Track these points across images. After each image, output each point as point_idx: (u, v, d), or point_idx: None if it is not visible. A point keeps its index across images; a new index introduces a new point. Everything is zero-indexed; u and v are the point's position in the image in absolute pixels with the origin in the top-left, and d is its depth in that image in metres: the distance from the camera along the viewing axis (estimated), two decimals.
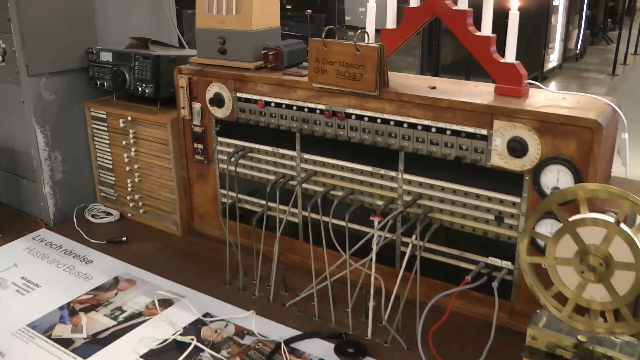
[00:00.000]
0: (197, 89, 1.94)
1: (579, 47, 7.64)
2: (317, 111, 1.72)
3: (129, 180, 2.22)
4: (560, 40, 6.87)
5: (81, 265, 1.97)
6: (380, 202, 1.68)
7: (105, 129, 2.23)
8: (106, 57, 2.16)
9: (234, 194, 1.94)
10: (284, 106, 1.77)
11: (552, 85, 6.57)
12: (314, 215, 1.80)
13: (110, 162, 2.27)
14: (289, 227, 1.88)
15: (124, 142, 2.17)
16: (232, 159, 1.87)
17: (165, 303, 1.74)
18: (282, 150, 1.82)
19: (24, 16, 2.03)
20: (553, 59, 6.73)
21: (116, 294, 1.80)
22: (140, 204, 2.22)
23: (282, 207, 1.83)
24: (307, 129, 1.75)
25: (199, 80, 1.93)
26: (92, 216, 2.28)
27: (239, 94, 1.85)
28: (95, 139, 2.29)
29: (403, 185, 1.64)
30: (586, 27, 7.60)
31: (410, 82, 1.67)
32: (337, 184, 1.74)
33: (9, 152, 2.28)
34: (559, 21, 6.52)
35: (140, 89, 2.06)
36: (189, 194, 2.09)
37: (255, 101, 1.82)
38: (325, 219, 1.66)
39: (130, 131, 2.13)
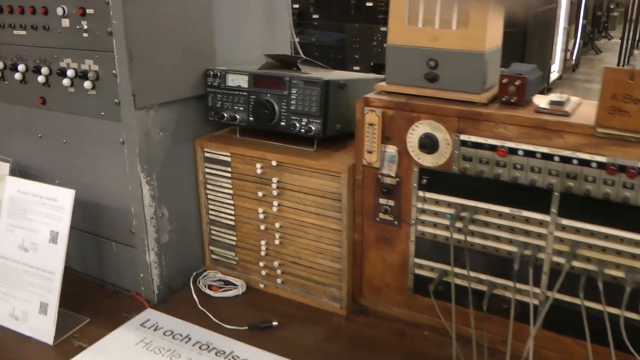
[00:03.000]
0: (394, 127, 1.46)
1: (574, 57, 7.55)
2: (593, 164, 1.28)
3: (263, 242, 1.70)
4: (561, 51, 6.72)
5: None
6: None
7: (228, 175, 1.70)
8: (237, 81, 1.63)
9: (443, 267, 1.48)
10: (538, 155, 1.32)
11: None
12: (566, 298, 1.37)
13: (232, 218, 1.74)
14: (519, 309, 1.43)
15: (260, 194, 1.65)
16: (459, 224, 1.40)
17: None
18: (525, 213, 1.37)
19: (133, 29, 1.48)
20: (554, 70, 6.56)
21: None
22: (278, 272, 1.71)
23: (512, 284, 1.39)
24: (575, 187, 1.30)
25: (398, 116, 1.44)
26: (209, 287, 1.74)
27: (463, 137, 1.39)
28: (209, 187, 1.76)
29: None
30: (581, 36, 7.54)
31: None
32: (609, 259, 1.31)
33: (93, 208, 1.70)
34: (560, 30, 6.35)
35: (297, 124, 1.55)
36: (359, 263, 1.60)
37: (492, 147, 1.36)
38: (614, 310, 1.23)
39: (274, 179, 1.61)
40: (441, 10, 1.39)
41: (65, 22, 1.56)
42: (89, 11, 1.51)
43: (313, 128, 1.52)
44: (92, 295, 1.74)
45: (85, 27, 1.53)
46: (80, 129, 1.66)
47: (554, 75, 6.58)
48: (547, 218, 1.35)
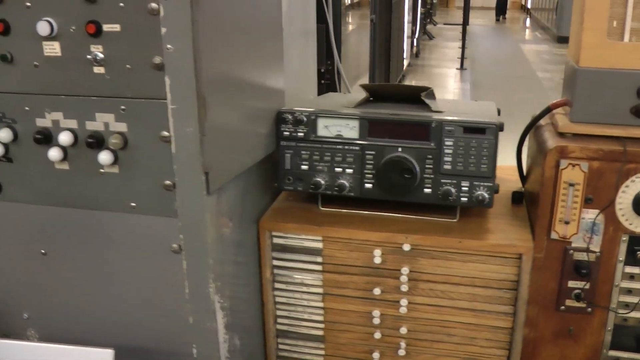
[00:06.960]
0: (600, 185, 1.04)
1: (415, 43, 7.61)
2: None
3: (376, 354, 1.19)
4: (408, 38, 6.69)
5: None
6: None
7: (318, 268, 1.15)
8: (336, 128, 1.09)
9: None
10: None
11: (409, 82, 6.33)
12: None
13: (320, 326, 1.20)
14: None
15: (376, 291, 1.13)
16: None
17: None
18: None
19: (208, 58, 0.87)
20: (405, 57, 6.51)
21: None
22: None
23: None
24: None
25: (607, 170, 1.03)
26: None
27: None
28: (277, 287, 1.19)
29: None
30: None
31: None
32: None
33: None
34: (405, 18, 6.29)
35: (454, 191, 1.05)
36: None
37: None
38: None
39: (403, 270, 1.11)
40: None
41: (53, 49, 0.89)
42: (110, 27, 0.87)
43: (487, 195, 1.04)
44: None
45: (101, 55, 0.88)
46: (80, 230, 0.99)
47: (405, 62, 6.56)
48: None
